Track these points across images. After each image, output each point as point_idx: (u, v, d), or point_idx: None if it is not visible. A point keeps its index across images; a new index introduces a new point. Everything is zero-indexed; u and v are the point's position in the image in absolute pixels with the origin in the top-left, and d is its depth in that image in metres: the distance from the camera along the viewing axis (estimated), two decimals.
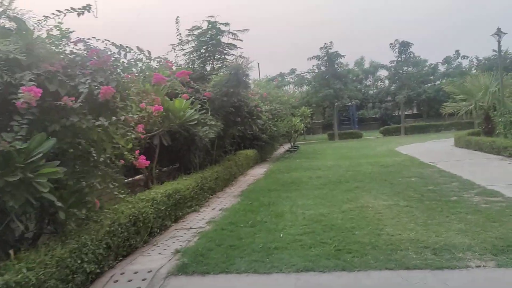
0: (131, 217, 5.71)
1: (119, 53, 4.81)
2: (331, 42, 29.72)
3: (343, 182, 10.39)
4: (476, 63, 41.02)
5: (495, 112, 15.07)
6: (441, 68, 40.58)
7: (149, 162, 6.16)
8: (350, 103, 35.73)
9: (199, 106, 9.95)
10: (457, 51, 31.13)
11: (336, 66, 30.26)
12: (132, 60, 5.20)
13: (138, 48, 5.03)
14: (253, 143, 17.09)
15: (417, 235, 5.60)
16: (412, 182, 9.57)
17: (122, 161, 5.82)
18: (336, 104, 31.12)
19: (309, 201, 8.36)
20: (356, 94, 34.09)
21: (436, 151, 16.75)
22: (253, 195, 9.45)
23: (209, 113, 10.36)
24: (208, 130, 9.68)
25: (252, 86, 19.53)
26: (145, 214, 6.12)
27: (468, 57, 31.48)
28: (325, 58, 30.15)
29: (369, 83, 43.71)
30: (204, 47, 12.66)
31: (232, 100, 11.04)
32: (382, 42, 79.34)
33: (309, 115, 21.70)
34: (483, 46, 70.66)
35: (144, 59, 5.25)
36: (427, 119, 38.86)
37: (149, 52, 5.20)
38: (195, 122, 9.31)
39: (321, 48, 30.07)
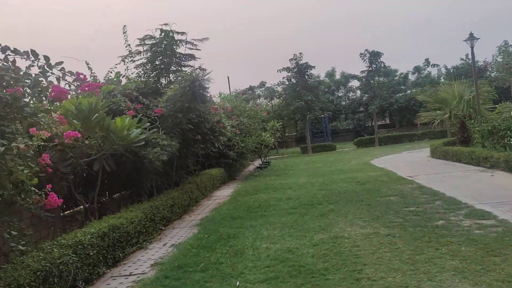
0: (39, 273, 4.38)
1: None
2: (300, 53, 29.03)
3: (315, 204, 9.27)
4: (445, 71, 41.34)
5: (472, 121, 14.38)
6: (411, 78, 40.64)
7: (61, 200, 4.84)
8: (322, 115, 35.04)
9: (149, 124, 8.71)
10: (426, 59, 31.01)
11: (306, 77, 29.50)
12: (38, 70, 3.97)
13: (32, 52, 3.78)
14: (220, 161, 15.87)
15: (404, 278, 4.50)
16: (392, 203, 8.53)
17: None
18: (308, 116, 30.28)
19: (276, 231, 7.19)
20: (328, 105, 33.44)
21: (413, 163, 15.94)
22: (213, 225, 8.20)
23: (161, 131, 9.12)
24: (160, 151, 8.42)
25: (215, 99, 18.41)
26: (63, 266, 4.79)
27: (437, 65, 31.49)
28: (295, 69, 29.36)
29: (341, 94, 43.29)
30: (159, 58, 11.46)
31: (190, 116, 9.82)
32: (353, 53, 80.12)
33: (279, 129, 20.68)
34: (451, 56, 72.06)
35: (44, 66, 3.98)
36: (399, 129, 38.60)
37: (46, 58, 3.93)
38: (143, 142, 8.05)
39: (290, 59, 29.30)
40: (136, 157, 8.31)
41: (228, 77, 38.95)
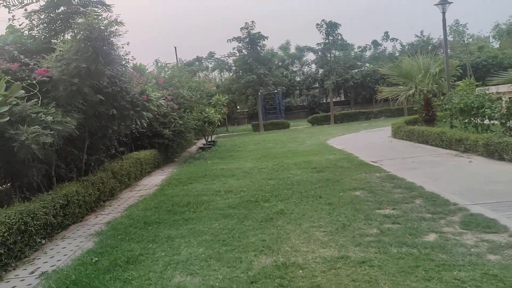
0: None
1: None
2: (252, 21, 26.48)
3: (260, 201, 7.11)
4: (400, 48, 40.33)
5: (442, 97, 12.72)
6: (367, 53, 39.26)
7: None
8: (275, 91, 32.94)
9: (23, 92, 6.10)
10: (386, 32, 29.42)
11: (259, 49, 27.08)
12: None
13: None
14: (153, 142, 13.35)
15: None
16: (359, 201, 6.53)
17: None
18: (260, 91, 28.06)
19: (200, 249, 4.98)
20: (282, 80, 31.30)
21: (374, 144, 14.21)
22: (114, 237, 5.82)
23: (52, 103, 6.54)
24: (40, 131, 5.84)
25: (150, 68, 15.69)
26: None
27: (396, 39, 30.05)
28: (247, 39, 26.84)
29: (296, 69, 41.29)
30: (62, 7, 8.63)
31: (92, 83, 7.25)
32: (309, 26, 78.25)
33: (225, 104, 18.28)
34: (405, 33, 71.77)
35: None
36: (355, 106, 37.38)
37: None
38: (7, 118, 5.48)
39: (242, 28, 26.71)
40: (3, 139, 5.73)
41: (175, 48, 35.80)
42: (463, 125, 11.62)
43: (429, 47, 40.10)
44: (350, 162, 10.50)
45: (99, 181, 8.22)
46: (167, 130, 13.35)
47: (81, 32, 6.67)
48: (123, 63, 8.69)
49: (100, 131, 9.46)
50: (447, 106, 12.03)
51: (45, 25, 8.39)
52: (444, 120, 12.57)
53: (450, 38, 50.13)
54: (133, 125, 9.37)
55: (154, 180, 10.89)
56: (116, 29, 6.97)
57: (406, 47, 40.64)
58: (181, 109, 14.76)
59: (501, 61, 34.72)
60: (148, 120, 9.65)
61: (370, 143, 14.65)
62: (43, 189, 7.30)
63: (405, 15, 70.42)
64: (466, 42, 48.63)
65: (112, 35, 6.83)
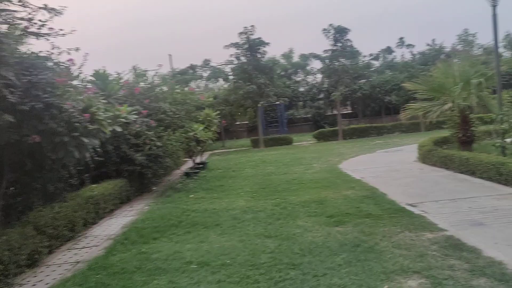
0: None
1: None
2: (252, 26, 23.76)
3: None
4: (411, 57, 37.60)
5: (498, 115, 9.83)
6: (376, 63, 36.43)
7: None
8: (277, 102, 30.14)
9: None
10: (401, 38, 26.43)
11: (259, 56, 24.38)
12: None
13: None
14: (121, 169, 10.51)
15: None
16: None
17: None
18: (260, 103, 25.29)
19: None
20: (284, 91, 28.57)
21: (400, 172, 11.33)
22: None
23: None
24: None
25: (126, 76, 12.92)
26: None
27: (412, 45, 27.14)
28: (246, 46, 24.15)
29: (299, 78, 38.57)
30: None
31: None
32: (314, 33, 75.54)
33: (216, 119, 15.44)
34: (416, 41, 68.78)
35: None
36: (363, 119, 34.57)
37: None
38: None
39: (240, 33, 24.02)
40: None
41: (169, 55, 33.21)
42: None
43: (442, 56, 37.51)
44: (379, 205, 7.63)
45: (6, 247, 5.36)
46: (140, 155, 10.52)
47: None
48: (51, 65, 5.94)
49: (31, 162, 6.69)
50: (502, 125, 9.18)
51: None
52: (497, 143, 9.69)
53: (459, 47, 47.49)
54: (72, 157, 6.52)
55: (112, 227, 8.03)
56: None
57: (417, 56, 38.03)
58: (161, 127, 11.94)
59: None
60: (89, 150, 6.80)
61: (394, 170, 11.77)
62: None
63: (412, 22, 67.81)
64: (476, 52, 46.04)
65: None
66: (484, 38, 69.35)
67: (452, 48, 40.64)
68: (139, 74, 13.55)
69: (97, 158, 8.57)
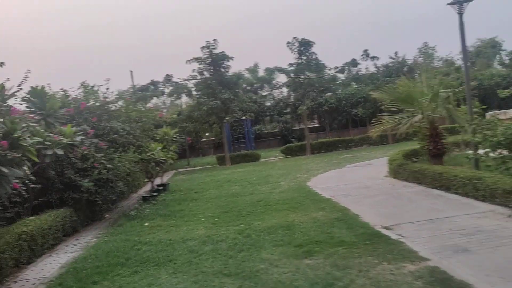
0: None
1: None
2: (214, 39, 23.02)
3: None
4: (375, 70, 37.88)
5: (470, 125, 9.39)
6: (341, 76, 36.40)
7: None
8: (243, 117, 29.40)
9: None
10: (365, 50, 26.37)
11: (223, 70, 23.60)
12: None
13: None
14: (65, 197, 9.36)
15: None
16: None
17: None
18: (226, 119, 24.46)
19: None
20: (250, 106, 27.84)
21: (372, 189, 10.72)
22: None
23: None
24: None
25: (75, 93, 11.85)
26: None
27: (377, 57, 27.18)
28: (209, 60, 23.36)
29: (266, 93, 38.08)
30: None
31: None
32: (279, 50, 75.80)
33: (174, 138, 14.44)
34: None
35: None
36: (330, 132, 34.32)
37: None
38: None
39: (202, 47, 23.19)
40: None
41: (131, 72, 32.04)
42: (498, 168, 8.30)
43: (405, 69, 38.06)
44: (352, 230, 6.90)
45: None
46: (87, 180, 9.41)
47: None
48: None
49: None
50: (476, 138, 8.72)
51: None
52: (470, 155, 9.23)
53: (420, 59, 48.56)
54: None
55: (49, 267, 6.90)
56: None
57: (381, 69, 38.37)
58: (113, 148, 10.89)
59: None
60: (11, 182, 5.75)
61: (364, 187, 11.15)
62: None
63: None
64: (435, 64, 47.21)
65: None
66: (443, 50, 71.74)
67: (414, 61, 41.49)
68: (89, 91, 12.47)
69: (33, 186, 7.45)
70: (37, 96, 8.48)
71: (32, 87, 8.53)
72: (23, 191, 7.16)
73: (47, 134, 7.11)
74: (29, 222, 7.59)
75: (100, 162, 9.91)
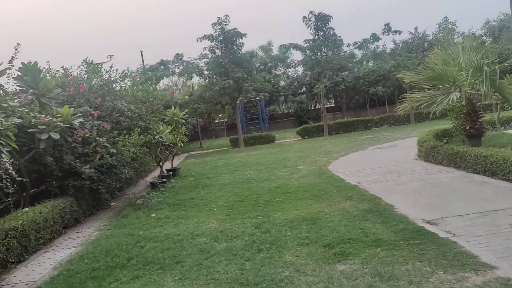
0: None
1: None
2: (226, 15, 21.81)
3: None
4: (393, 46, 36.12)
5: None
6: (358, 54, 34.73)
7: None
8: (257, 98, 28.29)
9: None
10: (387, 24, 24.64)
11: (235, 48, 22.40)
12: None
13: None
14: (65, 185, 8.52)
15: None
16: None
17: None
18: (239, 99, 23.40)
19: None
20: (264, 85, 26.64)
21: (402, 174, 9.65)
22: None
23: None
24: None
25: (75, 71, 10.93)
26: None
27: (400, 31, 25.51)
28: (221, 37, 22.18)
29: (280, 72, 36.72)
30: None
31: None
32: (293, 26, 73.55)
33: (184, 120, 13.47)
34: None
35: None
36: (347, 112, 33.03)
37: None
38: None
39: (213, 24, 22.00)
40: None
41: (141, 52, 31.04)
42: None
43: (425, 45, 36.16)
44: (388, 225, 5.88)
45: None
46: (88, 166, 8.53)
47: None
48: None
49: None
50: None
51: None
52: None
53: (440, 35, 46.36)
54: None
55: (41, 267, 6.07)
56: None
57: (400, 45, 36.56)
58: (117, 131, 9.97)
59: None
60: None
61: (394, 171, 10.08)
62: None
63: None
64: (456, 40, 44.99)
65: None
66: (464, 25, 68.89)
67: (434, 36, 39.48)
68: (93, 69, 11.52)
69: (19, 179, 6.58)
70: (30, 73, 7.55)
71: (23, 63, 7.59)
72: (8, 183, 6.28)
73: (33, 115, 6.16)
74: (20, 216, 6.74)
75: (103, 146, 9.02)
